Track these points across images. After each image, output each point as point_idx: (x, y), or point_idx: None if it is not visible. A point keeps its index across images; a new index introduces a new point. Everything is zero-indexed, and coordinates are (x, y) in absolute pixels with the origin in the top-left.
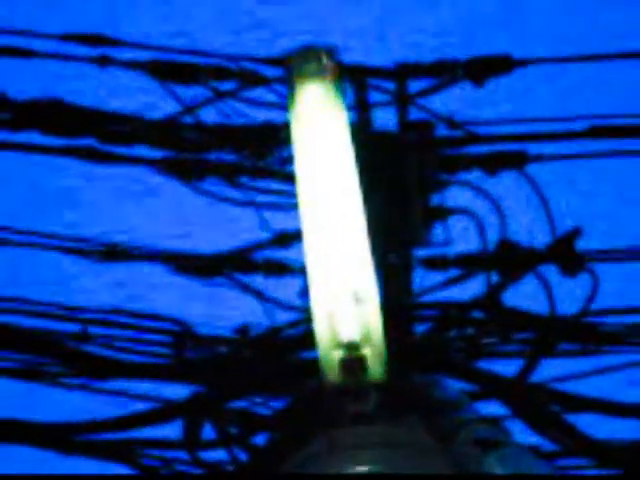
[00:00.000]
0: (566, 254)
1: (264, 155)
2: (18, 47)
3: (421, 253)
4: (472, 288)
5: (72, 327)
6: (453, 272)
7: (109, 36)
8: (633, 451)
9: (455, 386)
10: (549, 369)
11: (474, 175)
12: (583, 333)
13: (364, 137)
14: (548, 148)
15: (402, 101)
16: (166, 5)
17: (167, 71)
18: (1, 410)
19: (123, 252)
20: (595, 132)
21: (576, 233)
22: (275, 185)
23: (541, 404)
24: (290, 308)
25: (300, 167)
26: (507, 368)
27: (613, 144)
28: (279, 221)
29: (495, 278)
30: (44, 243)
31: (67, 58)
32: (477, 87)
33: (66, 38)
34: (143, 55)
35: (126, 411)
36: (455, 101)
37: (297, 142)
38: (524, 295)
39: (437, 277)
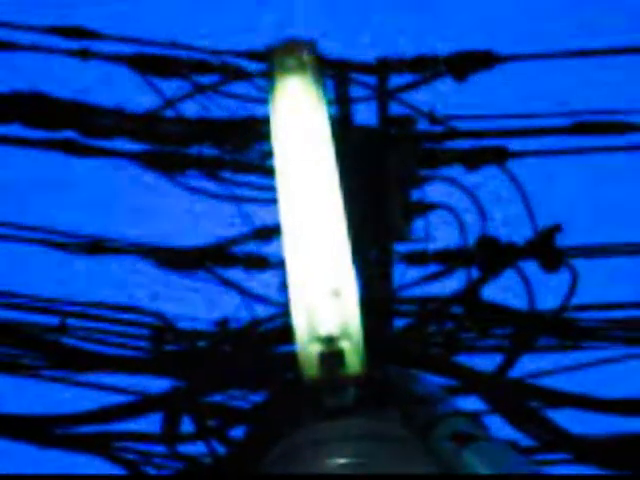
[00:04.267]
0: (546, 249)
1: (245, 149)
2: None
3: (401, 248)
4: (452, 283)
5: (50, 319)
6: (433, 267)
7: (91, 29)
8: (610, 445)
9: (433, 380)
10: (528, 364)
11: (455, 170)
12: (562, 328)
13: (344, 132)
14: (529, 144)
15: (383, 96)
16: None
17: (149, 64)
18: None
19: (105, 246)
20: (577, 128)
21: (556, 228)
22: (256, 179)
23: (519, 399)
24: (269, 302)
25: (279, 161)
26: (486, 363)
27: (595, 140)
28: (259, 215)
29: (475, 273)
30: (27, 236)
31: (49, 51)
32: (459, 83)
33: (48, 31)
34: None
35: (104, 404)
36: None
37: (277, 136)
38: (504, 290)
39: (417, 272)
